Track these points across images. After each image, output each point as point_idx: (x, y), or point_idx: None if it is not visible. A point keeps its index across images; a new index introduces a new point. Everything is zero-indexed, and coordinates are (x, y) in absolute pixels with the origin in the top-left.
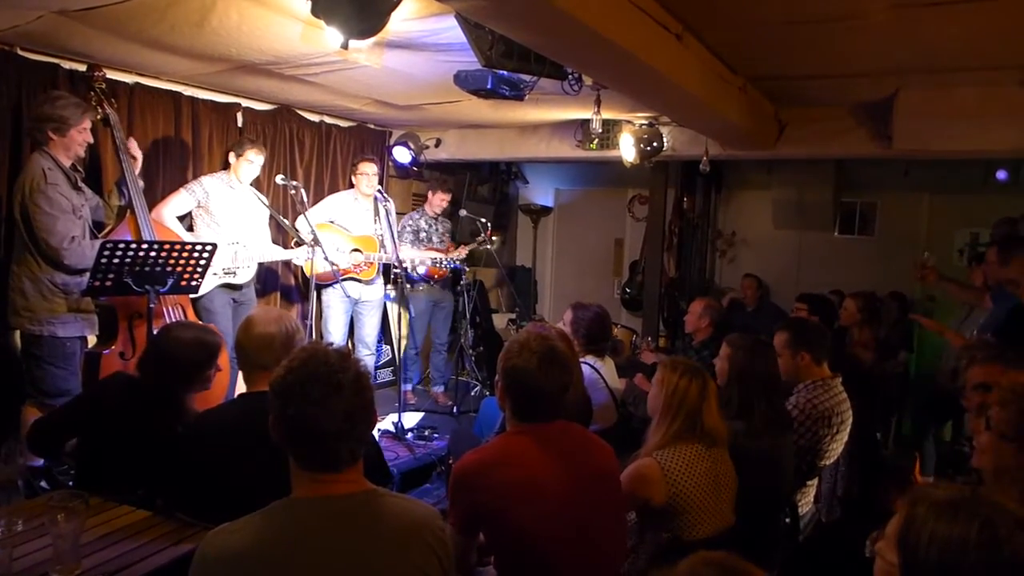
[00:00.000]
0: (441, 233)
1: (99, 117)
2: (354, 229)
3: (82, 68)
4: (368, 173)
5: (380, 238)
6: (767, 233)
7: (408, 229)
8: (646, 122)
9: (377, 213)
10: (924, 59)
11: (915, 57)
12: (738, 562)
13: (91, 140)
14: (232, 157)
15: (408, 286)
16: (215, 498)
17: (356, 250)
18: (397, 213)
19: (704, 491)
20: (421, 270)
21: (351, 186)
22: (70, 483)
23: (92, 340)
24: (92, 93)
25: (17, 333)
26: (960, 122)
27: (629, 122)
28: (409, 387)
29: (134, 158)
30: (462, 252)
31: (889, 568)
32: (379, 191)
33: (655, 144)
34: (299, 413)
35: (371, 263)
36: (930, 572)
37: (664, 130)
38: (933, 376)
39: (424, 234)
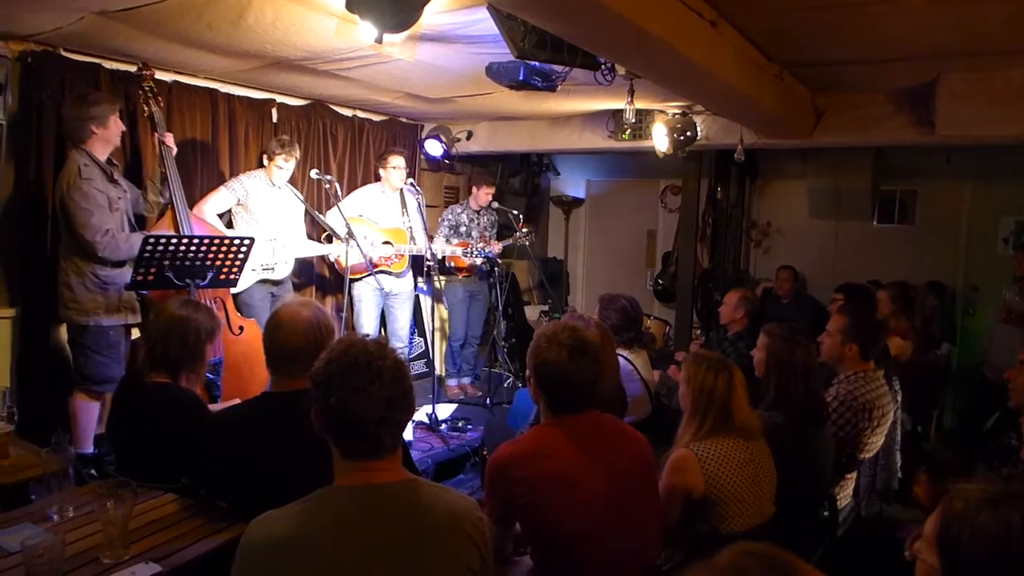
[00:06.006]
0: (483, 227)
1: (145, 115)
2: (383, 222)
3: (123, 68)
4: (398, 166)
5: (410, 230)
6: (803, 223)
7: (446, 224)
8: (679, 111)
9: (405, 206)
10: (966, 42)
11: (957, 40)
12: (781, 553)
13: (124, 128)
14: (265, 160)
15: (443, 278)
16: (244, 494)
17: (387, 243)
18: (428, 206)
19: (742, 482)
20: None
21: (379, 180)
22: (111, 468)
23: (135, 332)
24: (140, 92)
25: (64, 324)
26: (1005, 106)
27: (662, 112)
28: (455, 382)
29: (171, 148)
30: (496, 247)
31: (930, 570)
32: (411, 183)
33: (688, 134)
34: (341, 401)
35: (402, 255)
36: (976, 568)
37: (698, 119)
38: (977, 368)
39: (464, 228)
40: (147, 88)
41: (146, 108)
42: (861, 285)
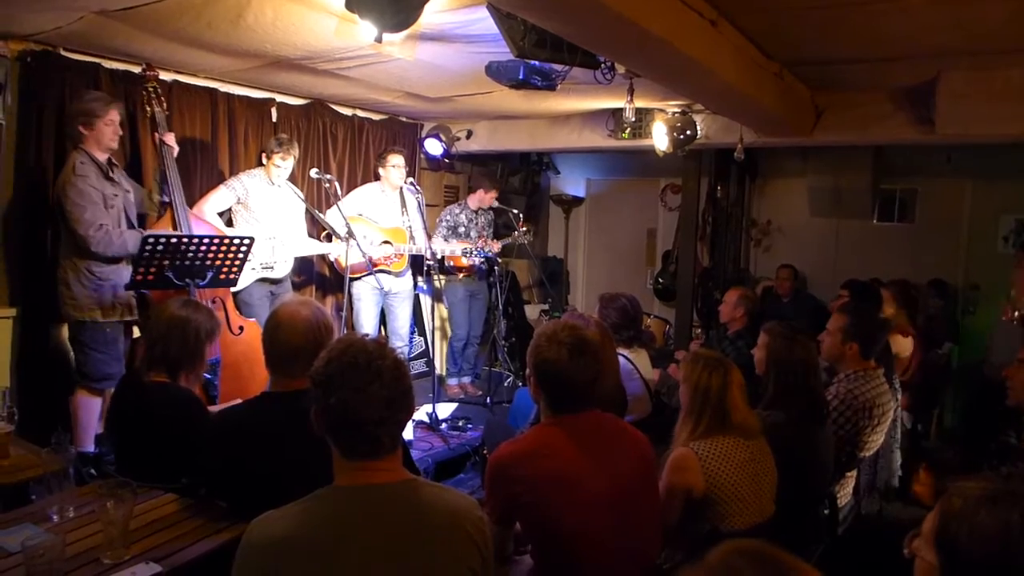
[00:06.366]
0: (481, 227)
1: (148, 115)
2: (383, 221)
3: (123, 67)
4: (398, 165)
5: (409, 230)
6: (803, 221)
7: (444, 224)
8: (679, 110)
9: (404, 205)
10: (967, 41)
11: (957, 39)
12: (773, 550)
13: (121, 132)
14: (264, 158)
15: (443, 277)
16: (244, 494)
17: (386, 242)
18: (428, 205)
19: (742, 481)
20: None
21: (379, 179)
22: (111, 468)
23: (136, 331)
24: (144, 92)
25: (65, 323)
26: (1006, 105)
27: (662, 110)
28: (456, 381)
29: (172, 147)
30: (495, 246)
31: (929, 567)
32: (411, 182)
33: (688, 132)
34: (341, 401)
35: (401, 255)
36: (974, 566)
37: (697, 118)
38: (978, 367)
39: (463, 229)
40: (151, 89)
41: (149, 108)
42: (867, 282)
